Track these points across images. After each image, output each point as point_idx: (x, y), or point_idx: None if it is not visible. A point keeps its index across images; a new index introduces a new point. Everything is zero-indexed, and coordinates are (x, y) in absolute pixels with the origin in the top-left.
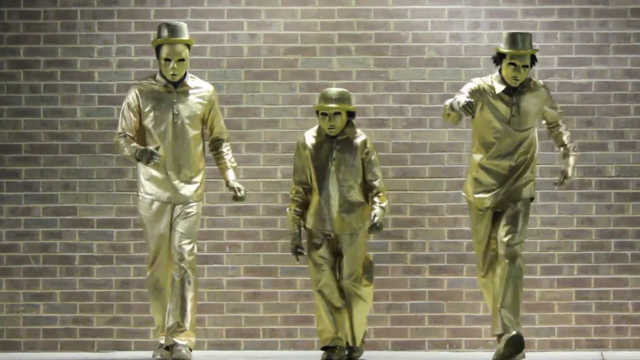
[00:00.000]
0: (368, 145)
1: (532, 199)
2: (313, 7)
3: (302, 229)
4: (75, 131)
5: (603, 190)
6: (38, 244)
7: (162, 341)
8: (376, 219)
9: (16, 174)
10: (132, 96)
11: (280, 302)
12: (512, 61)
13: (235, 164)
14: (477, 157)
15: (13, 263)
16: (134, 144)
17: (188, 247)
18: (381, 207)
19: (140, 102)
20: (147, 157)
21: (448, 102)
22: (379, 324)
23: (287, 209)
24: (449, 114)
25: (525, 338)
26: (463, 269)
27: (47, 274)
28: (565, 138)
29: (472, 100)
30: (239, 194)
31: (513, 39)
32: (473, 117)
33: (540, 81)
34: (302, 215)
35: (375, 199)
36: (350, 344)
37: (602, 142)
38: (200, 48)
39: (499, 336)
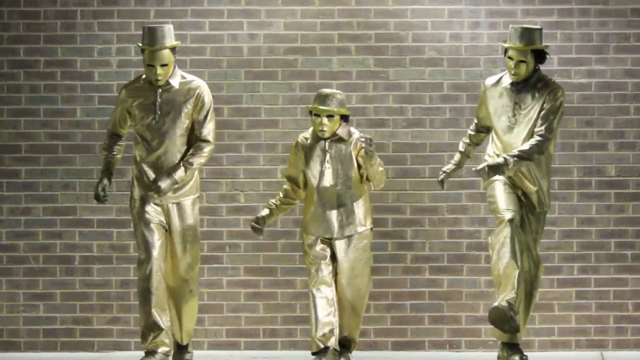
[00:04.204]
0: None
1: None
2: (313, 7)
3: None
4: (75, 131)
5: (603, 190)
6: (38, 244)
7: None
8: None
9: (16, 174)
10: (120, 97)
11: (280, 302)
12: (509, 55)
13: (191, 165)
14: (494, 148)
15: (13, 263)
16: (104, 168)
17: (191, 261)
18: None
19: (127, 104)
20: (95, 193)
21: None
22: (379, 324)
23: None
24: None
25: (525, 338)
26: (463, 269)
27: (47, 274)
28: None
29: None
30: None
31: (512, 33)
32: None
33: (555, 82)
34: (277, 208)
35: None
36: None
37: (602, 142)
38: (200, 48)
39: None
